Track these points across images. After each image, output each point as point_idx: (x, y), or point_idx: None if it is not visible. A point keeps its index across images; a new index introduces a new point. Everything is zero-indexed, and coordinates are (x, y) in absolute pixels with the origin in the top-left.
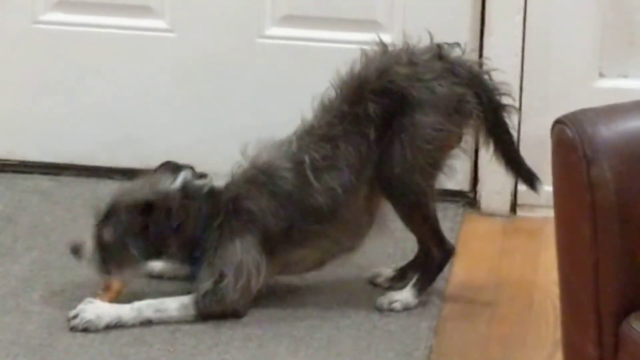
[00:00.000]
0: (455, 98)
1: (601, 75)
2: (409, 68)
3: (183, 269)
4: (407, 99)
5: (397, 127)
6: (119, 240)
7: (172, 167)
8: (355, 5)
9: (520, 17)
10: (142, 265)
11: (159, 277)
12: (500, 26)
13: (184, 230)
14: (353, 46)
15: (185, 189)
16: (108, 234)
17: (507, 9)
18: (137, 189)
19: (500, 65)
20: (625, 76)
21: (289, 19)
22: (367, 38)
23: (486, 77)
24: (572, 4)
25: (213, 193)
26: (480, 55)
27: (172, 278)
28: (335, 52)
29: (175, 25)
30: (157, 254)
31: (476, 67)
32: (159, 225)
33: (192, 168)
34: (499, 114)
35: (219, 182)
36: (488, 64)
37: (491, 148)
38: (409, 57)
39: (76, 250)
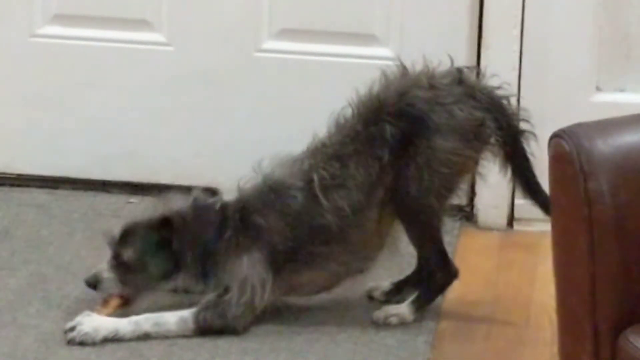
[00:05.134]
0: (474, 123)
1: (598, 89)
2: (429, 92)
3: (198, 286)
4: (426, 123)
5: (415, 150)
6: (139, 260)
7: (183, 190)
8: (352, 19)
9: (517, 32)
10: (159, 286)
11: (173, 290)
12: (498, 40)
13: (198, 243)
14: (350, 60)
15: (197, 205)
16: (127, 255)
17: (505, 23)
18: (149, 209)
19: (498, 80)
20: (622, 90)
21: (286, 33)
22: (364, 52)
23: (505, 102)
24: (569, 19)
25: (223, 208)
26: (477, 72)
27: (185, 291)
28: (333, 65)
29: (173, 39)
30: (175, 272)
31: (496, 92)
32: (180, 237)
33: (204, 189)
34: (518, 139)
35: (228, 196)
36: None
37: (509, 173)
38: (429, 80)
39: (94, 284)
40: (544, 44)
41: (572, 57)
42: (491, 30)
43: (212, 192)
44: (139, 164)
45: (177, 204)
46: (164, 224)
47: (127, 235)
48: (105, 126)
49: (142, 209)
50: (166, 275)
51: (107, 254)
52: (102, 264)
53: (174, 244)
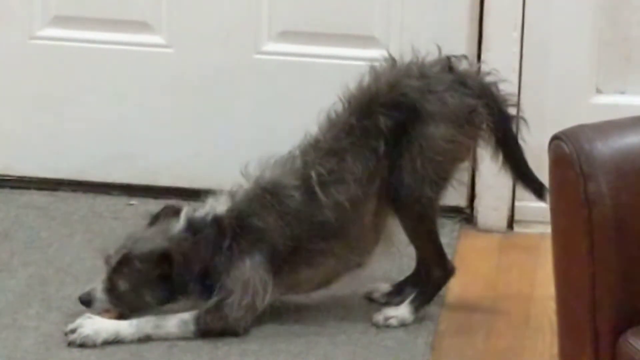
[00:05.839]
0: (466, 109)
1: (598, 91)
2: (420, 80)
3: (200, 301)
4: (418, 112)
5: (408, 139)
6: (134, 290)
7: (173, 210)
8: (352, 21)
9: (517, 34)
10: (157, 308)
11: None
12: (498, 42)
13: (198, 267)
14: (350, 62)
15: (191, 225)
16: (123, 285)
17: (505, 25)
18: (148, 238)
19: (496, 79)
20: (622, 92)
21: (286, 35)
22: (364, 54)
23: (495, 88)
24: (570, 21)
25: (217, 218)
26: (478, 63)
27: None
28: (333, 67)
29: (173, 41)
30: (173, 297)
31: (486, 79)
32: (182, 273)
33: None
34: (509, 125)
35: (221, 206)
36: (487, 69)
37: (500, 159)
38: (419, 69)
39: (87, 302)
40: (544, 45)
41: (572, 59)
42: (491, 32)
43: (201, 198)
44: (139, 166)
45: (174, 229)
46: (164, 260)
47: (123, 265)
48: (105, 128)
49: (141, 235)
50: (163, 302)
51: (103, 270)
52: (97, 281)
53: (175, 279)
